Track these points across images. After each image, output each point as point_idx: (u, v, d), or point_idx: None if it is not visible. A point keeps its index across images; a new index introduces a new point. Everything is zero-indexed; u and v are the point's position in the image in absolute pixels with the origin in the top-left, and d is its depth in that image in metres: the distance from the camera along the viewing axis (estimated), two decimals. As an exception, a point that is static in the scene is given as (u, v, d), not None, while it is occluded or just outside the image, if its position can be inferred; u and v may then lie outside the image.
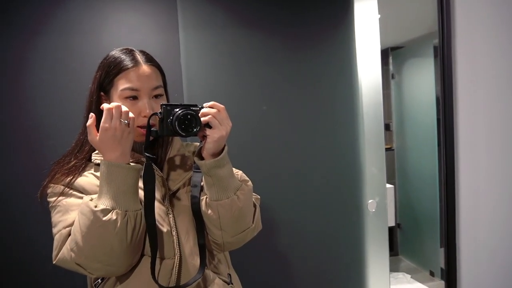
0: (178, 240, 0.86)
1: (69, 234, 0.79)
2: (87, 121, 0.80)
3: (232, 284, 0.97)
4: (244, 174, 0.95)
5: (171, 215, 0.87)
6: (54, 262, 0.80)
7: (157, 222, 0.83)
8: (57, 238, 0.81)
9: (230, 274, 0.98)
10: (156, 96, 0.89)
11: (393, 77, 3.27)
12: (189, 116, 0.78)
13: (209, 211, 0.84)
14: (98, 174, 0.82)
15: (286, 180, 1.51)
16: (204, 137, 0.81)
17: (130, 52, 0.89)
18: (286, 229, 1.53)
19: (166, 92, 0.94)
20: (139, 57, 0.88)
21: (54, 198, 0.85)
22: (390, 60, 3.27)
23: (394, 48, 3.25)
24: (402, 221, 3.33)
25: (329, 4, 1.51)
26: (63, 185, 0.85)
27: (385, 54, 3.20)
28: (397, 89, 3.26)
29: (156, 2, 1.40)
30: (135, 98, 0.86)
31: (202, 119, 0.79)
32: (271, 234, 1.52)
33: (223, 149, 0.82)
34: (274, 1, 1.47)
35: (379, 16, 1.86)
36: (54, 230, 0.83)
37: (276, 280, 1.54)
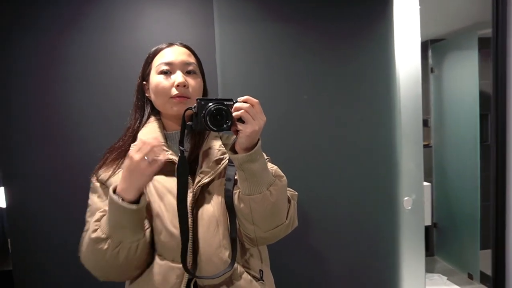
0: (197, 231, 0.87)
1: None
2: (135, 108, 0.96)
3: (262, 280, 0.95)
4: (279, 170, 0.93)
5: (194, 209, 0.87)
6: None
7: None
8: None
9: (262, 271, 0.97)
10: (189, 72, 0.93)
11: (432, 71, 3.14)
12: (220, 111, 0.78)
13: (242, 205, 0.84)
14: None
15: (320, 176, 1.50)
16: (237, 131, 0.80)
17: (168, 43, 0.96)
18: (320, 226, 1.52)
19: (203, 79, 0.98)
20: (175, 43, 0.96)
21: (91, 191, 0.94)
22: (430, 53, 3.13)
23: (434, 41, 3.10)
24: (438, 220, 3.21)
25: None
26: (99, 182, 0.92)
27: (425, 47, 3.07)
28: (436, 83, 3.13)
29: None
30: (169, 73, 0.91)
31: (234, 113, 0.78)
32: (305, 232, 1.51)
33: (256, 143, 0.81)
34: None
35: (419, 7, 1.78)
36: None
37: (309, 278, 1.54)
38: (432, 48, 3.13)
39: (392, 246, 1.56)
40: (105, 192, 0.90)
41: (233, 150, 0.83)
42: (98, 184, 0.92)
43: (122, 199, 0.78)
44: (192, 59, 0.95)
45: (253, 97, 0.81)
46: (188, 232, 0.84)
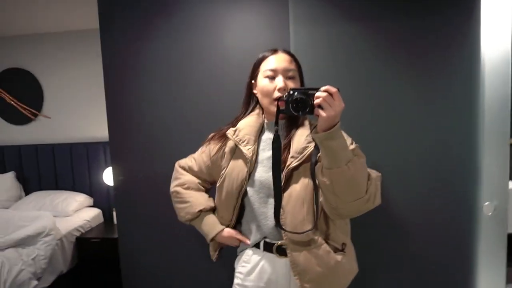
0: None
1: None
2: (245, 101, 1.25)
3: (344, 252, 1.12)
4: (360, 151, 1.07)
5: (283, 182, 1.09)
6: None
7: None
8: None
9: (345, 243, 1.13)
10: (289, 78, 1.13)
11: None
12: (302, 99, 0.95)
13: (324, 178, 0.99)
14: (224, 149, 1.24)
15: (392, 178, 1.48)
16: (317, 115, 0.94)
17: (272, 50, 1.18)
18: (391, 231, 1.51)
19: (301, 79, 1.20)
20: (279, 49, 1.18)
21: (203, 146, 1.34)
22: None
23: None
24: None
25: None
26: (209, 139, 1.31)
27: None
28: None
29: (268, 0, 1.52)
30: (273, 78, 1.13)
31: (315, 101, 0.93)
32: (375, 237, 1.53)
33: (335, 125, 0.94)
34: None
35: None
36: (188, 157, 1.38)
37: (380, 285, 1.55)
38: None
39: (469, 255, 1.48)
40: (206, 155, 1.29)
41: (315, 131, 0.98)
42: (208, 148, 1.29)
43: (211, 238, 1.25)
44: (292, 66, 1.14)
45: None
46: (280, 199, 1.08)
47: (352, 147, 1.05)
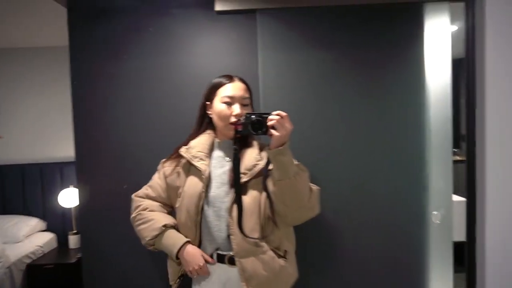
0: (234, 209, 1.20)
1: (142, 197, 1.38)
2: (199, 121, 1.34)
3: (285, 258, 1.24)
4: (302, 165, 1.21)
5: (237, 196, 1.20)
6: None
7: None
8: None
9: (287, 251, 1.26)
10: (244, 105, 1.26)
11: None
12: (259, 121, 1.12)
13: (274, 188, 1.16)
14: (179, 168, 1.31)
15: (350, 188, 1.62)
16: (271, 135, 1.10)
17: (228, 76, 1.30)
18: (347, 236, 1.63)
19: (251, 105, 1.32)
20: (234, 77, 1.29)
21: (157, 171, 1.39)
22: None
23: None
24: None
25: (399, 23, 1.59)
26: (162, 162, 1.37)
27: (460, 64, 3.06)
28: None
29: (238, 27, 1.63)
30: (230, 104, 1.24)
31: (269, 123, 1.10)
32: (331, 241, 1.63)
33: (285, 143, 1.11)
34: (345, 22, 1.60)
35: (456, 28, 1.86)
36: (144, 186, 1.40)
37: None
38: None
39: (420, 259, 1.63)
40: (161, 178, 1.35)
41: (269, 149, 1.14)
42: (162, 171, 1.35)
43: (176, 256, 1.25)
44: (247, 94, 1.27)
45: (291, 116, 1.10)
46: (241, 207, 1.19)
47: (296, 163, 1.18)
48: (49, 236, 3.10)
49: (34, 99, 3.28)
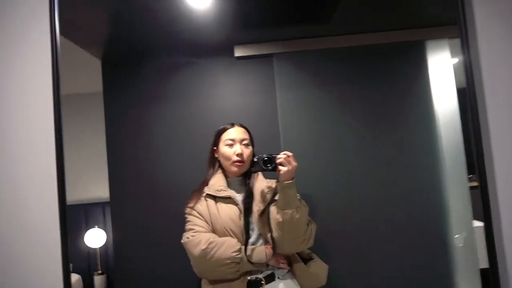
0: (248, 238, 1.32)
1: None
2: (210, 165, 1.47)
3: (312, 259, 1.39)
4: (303, 201, 1.32)
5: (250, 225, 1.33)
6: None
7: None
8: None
9: (310, 253, 1.41)
10: (245, 145, 1.42)
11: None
12: (269, 158, 1.30)
13: (277, 216, 1.27)
14: (207, 203, 1.38)
15: (372, 219, 1.68)
16: (279, 171, 1.26)
17: (230, 123, 1.47)
18: (373, 267, 1.67)
19: (252, 145, 1.45)
20: (235, 123, 1.46)
21: (188, 215, 1.41)
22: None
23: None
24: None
25: (404, 59, 1.72)
26: (189, 207, 1.41)
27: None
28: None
29: (257, 69, 1.78)
30: (232, 145, 1.40)
31: (278, 161, 1.26)
32: (358, 270, 1.67)
33: (292, 179, 1.26)
34: (355, 61, 1.74)
35: (456, 60, 1.99)
36: (185, 234, 1.38)
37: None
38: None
39: (447, 282, 1.65)
40: (200, 215, 1.38)
41: (278, 181, 1.29)
42: (195, 212, 1.39)
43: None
44: (246, 136, 1.44)
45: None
46: (249, 234, 1.33)
47: (298, 197, 1.30)
48: (74, 278, 3.14)
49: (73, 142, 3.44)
